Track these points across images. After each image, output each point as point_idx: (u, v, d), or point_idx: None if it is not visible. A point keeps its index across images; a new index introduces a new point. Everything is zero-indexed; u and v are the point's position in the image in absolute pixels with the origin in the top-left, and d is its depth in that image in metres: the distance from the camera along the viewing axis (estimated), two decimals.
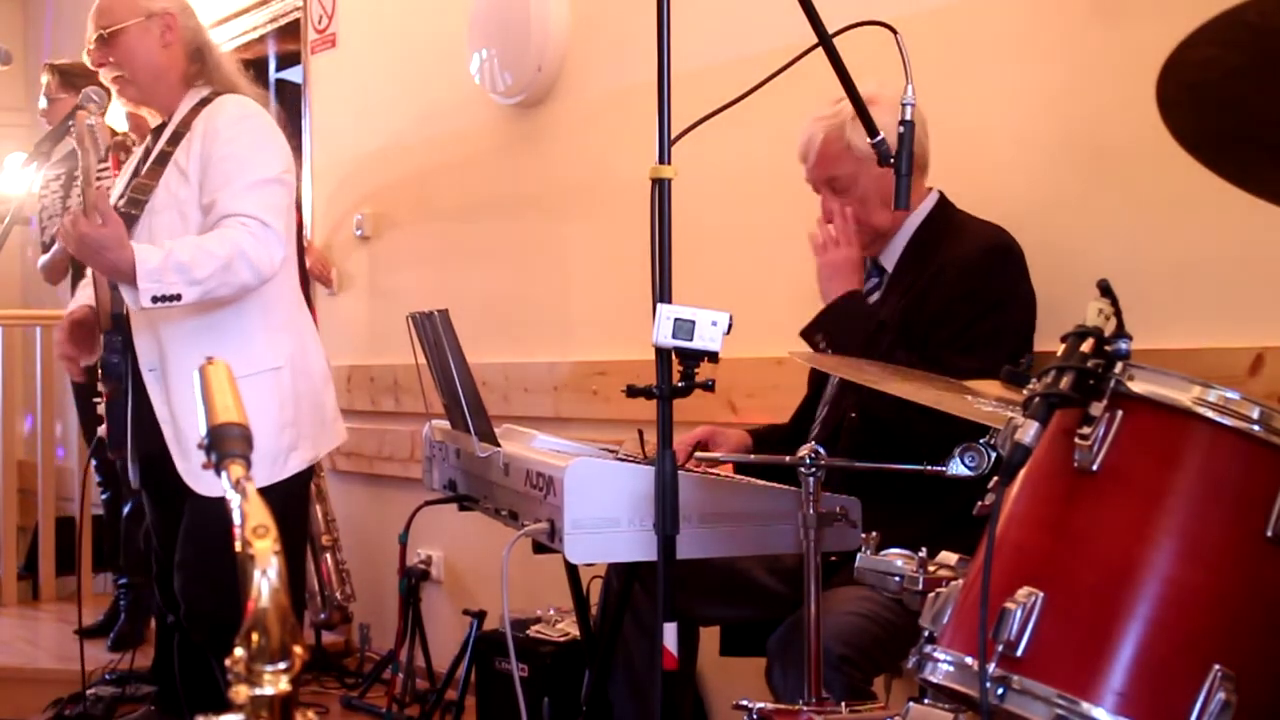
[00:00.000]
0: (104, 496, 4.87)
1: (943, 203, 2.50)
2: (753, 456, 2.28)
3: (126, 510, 4.49)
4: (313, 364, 2.97)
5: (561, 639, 3.11)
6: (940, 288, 2.34)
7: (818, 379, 2.62)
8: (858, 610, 2.13)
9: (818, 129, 2.46)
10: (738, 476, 2.26)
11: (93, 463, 4.88)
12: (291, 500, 2.99)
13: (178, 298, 2.60)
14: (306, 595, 4.20)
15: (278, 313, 2.88)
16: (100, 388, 2.94)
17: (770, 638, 2.20)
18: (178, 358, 2.78)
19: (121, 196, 2.86)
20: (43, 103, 4.56)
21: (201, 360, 1.01)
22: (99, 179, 2.60)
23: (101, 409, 2.98)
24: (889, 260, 2.49)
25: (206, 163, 2.75)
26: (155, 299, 2.58)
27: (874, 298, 2.50)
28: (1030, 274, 2.39)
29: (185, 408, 2.75)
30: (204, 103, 2.87)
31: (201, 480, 2.76)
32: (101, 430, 2.98)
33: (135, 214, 2.79)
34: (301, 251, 3.56)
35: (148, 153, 2.94)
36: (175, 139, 2.84)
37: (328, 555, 4.32)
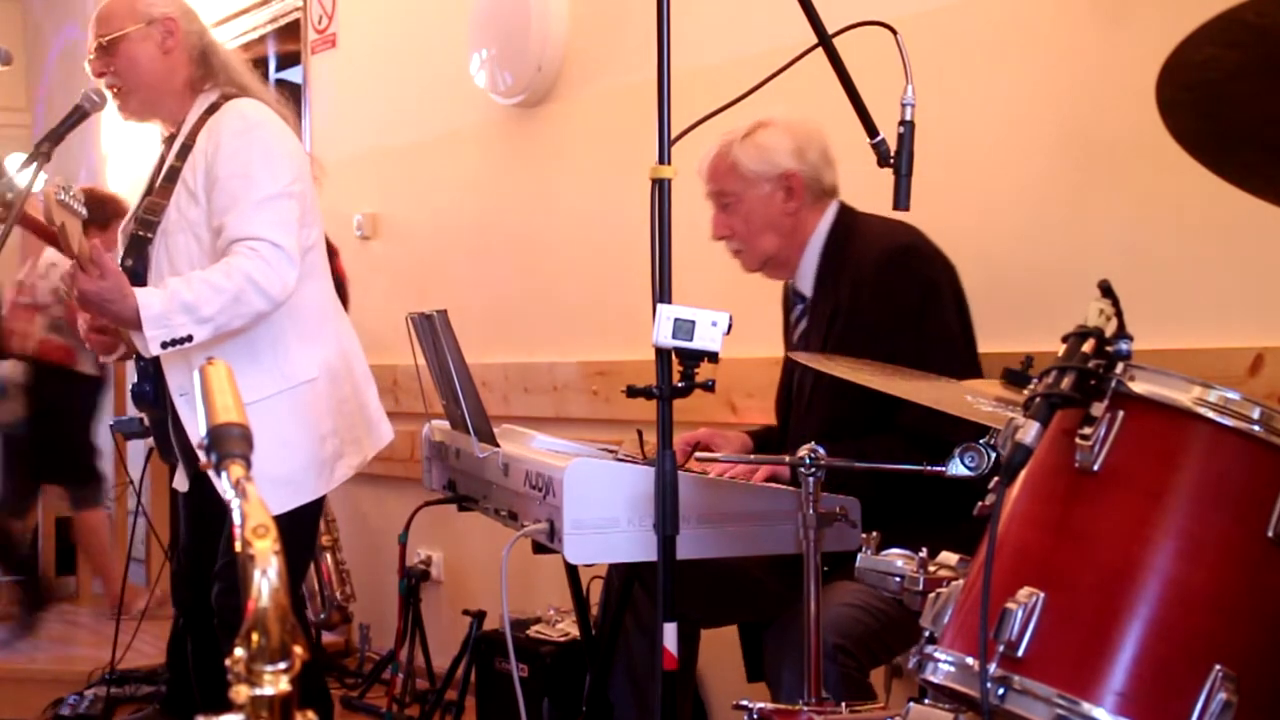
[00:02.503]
0: None
1: (843, 212, 2.46)
2: (752, 457, 2.28)
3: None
4: (353, 366, 2.86)
5: (561, 639, 3.11)
6: (856, 314, 2.31)
7: (785, 381, 2.59)
8: (853, 602, 2.14)
9: (715, 144, 2.44)
10: (740, 479, 2.26)
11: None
12: (323, 508, 2.90)
13: (189, 339, 2.53)
14: (306, 595, 4.20)
15: (309, 321, 2.77)
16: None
17: (765, 632, 2.20)
18: None
19: (132, 218, 2.79)
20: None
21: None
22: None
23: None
24: (805, 285, 2.46)
25: (212, 183, 2.66)
26: (165, 344, 2.51)
27: (801, 326, 2.49)
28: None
29: None
30: (211, 110, 2.77)
31: None
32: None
33: (148, 236, 2.72)
34: (333, 254, 3.41)
35: (160, 165, 2.85)
36: (183, 153, 2.75)
37: (328, 555, 4.31)
